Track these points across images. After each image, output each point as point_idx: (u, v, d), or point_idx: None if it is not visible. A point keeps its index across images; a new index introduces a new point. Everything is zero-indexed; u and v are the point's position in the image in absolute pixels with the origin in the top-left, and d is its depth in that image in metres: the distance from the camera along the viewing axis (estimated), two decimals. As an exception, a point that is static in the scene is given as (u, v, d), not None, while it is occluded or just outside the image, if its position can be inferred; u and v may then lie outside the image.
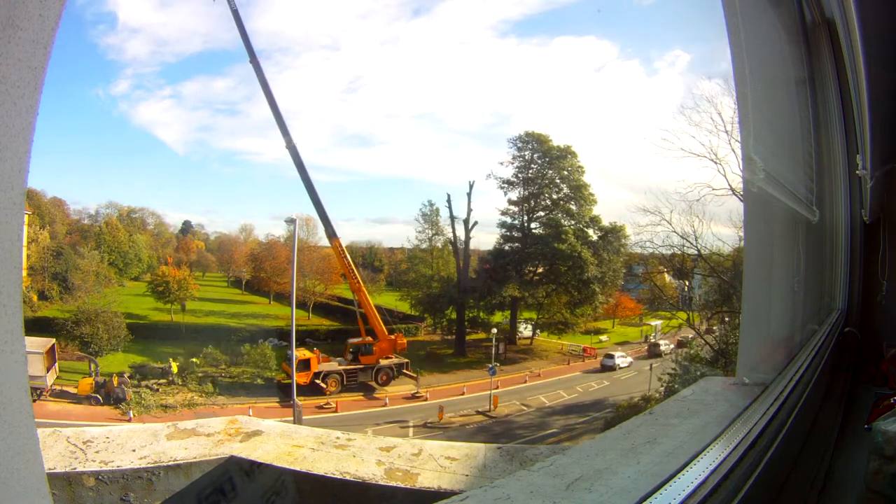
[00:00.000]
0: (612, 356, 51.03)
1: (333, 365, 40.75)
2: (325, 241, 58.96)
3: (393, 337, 43.27)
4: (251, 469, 3.02)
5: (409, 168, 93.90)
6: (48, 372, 33.19)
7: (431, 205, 57.32)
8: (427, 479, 2.87)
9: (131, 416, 31.90)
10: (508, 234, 56.27)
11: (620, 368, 49.64)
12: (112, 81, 77.19)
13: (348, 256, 42.80)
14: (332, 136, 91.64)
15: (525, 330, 57.05)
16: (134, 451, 3.04)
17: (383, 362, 42.23)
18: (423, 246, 57.68)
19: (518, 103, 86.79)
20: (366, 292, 43.18)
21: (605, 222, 54.31)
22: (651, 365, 43.61)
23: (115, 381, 34.44)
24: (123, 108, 76.89)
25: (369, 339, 42.13)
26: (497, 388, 40.98)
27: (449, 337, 55.87)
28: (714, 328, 36.77)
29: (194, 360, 39.67)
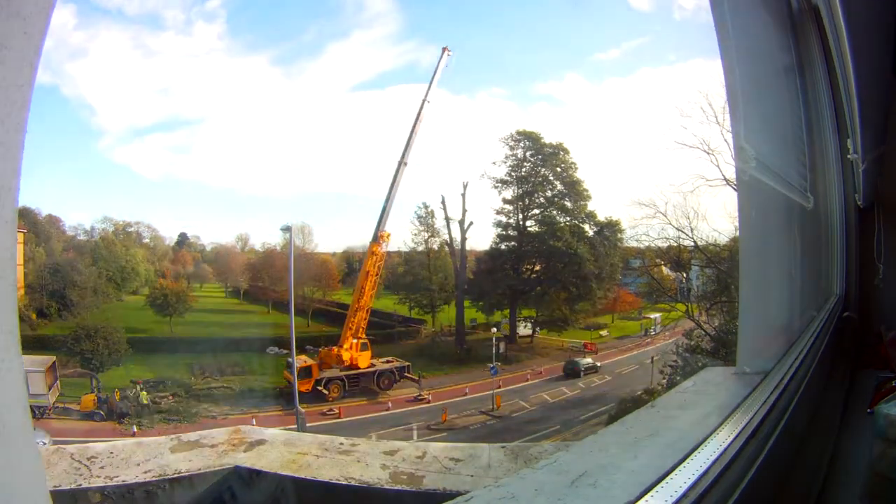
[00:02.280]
0: (574, 361, 47.68)
1: (334, 371, 40.69)
2: (321, 248, 59.27)
3: (348, 347, 42.00)
4: (256, 478, 3.02)
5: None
6: (50, 390, 33.10)
7: (426, 207, 57.39)
8: (432, 481, 2.87)
9: (135, 430, 31.84)
10: (504, 233, 56.35)
11: (586, 373, 46.49)
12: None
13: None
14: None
15: (525, 328, 57.02)
16: (138, 465, 3.04)
17: (384, 366, 42.20)
18: (420, 248, 57.73)
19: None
20: (365, 310, 43.05)
21: (601, 217, 54.48)
22: (652, 358, 43.68)
23: (118, 396, 34.39)
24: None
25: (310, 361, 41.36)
26: (499, 387, 40.99)
27: (449, 338, 55.85)
28: (714, 318, 36.83)
29: (161, 391, 38.34)
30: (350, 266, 67.48)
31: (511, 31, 78.03)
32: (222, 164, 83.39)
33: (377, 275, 43.19)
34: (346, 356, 41.58)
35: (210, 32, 74.56)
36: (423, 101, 43.04)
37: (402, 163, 42.32)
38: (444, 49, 43.93)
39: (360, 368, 41.28)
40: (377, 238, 42.41)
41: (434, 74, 43.57)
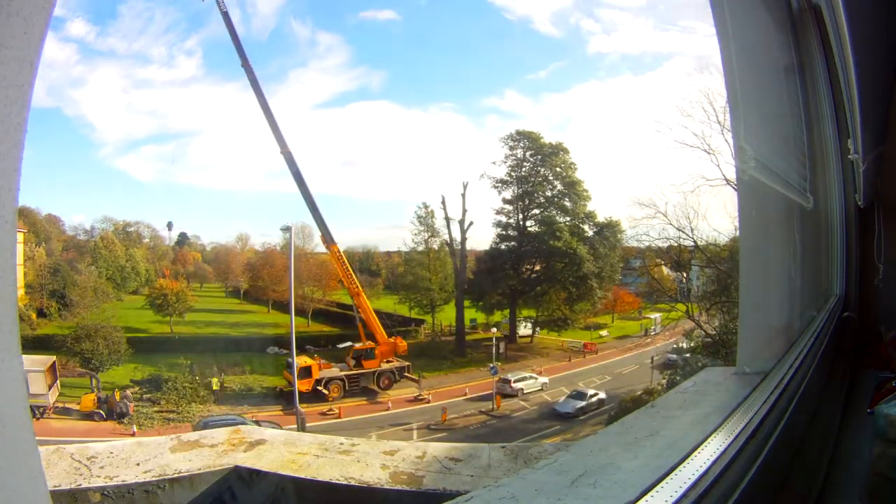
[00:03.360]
0: (507, 379, 41.66)
1: (335, 371, 40.72)
2: (321, 248, 59.18)
3: (393, 340, 43.37)
4: (256, 478, 3.02)
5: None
6: (50, 390, 33.08)
7: (426, 207, 57.34)
8: (432, 481, 2.87)
9: (134, 430, 31.83)
10: (504, 233, 56.31)
11: (525, 393, 41.66)
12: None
13: (346, 262, 42.79)
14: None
15: (525, 328, 57.01)
16: (138, 465, 3.04)
17: (384, 366, 42.23)
18: (420, 248, 57.69)
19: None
20: (365, 297, 43.20)
21: (601, 217, 54.46)
22: (652, 358, 43.70)
23: (118, 395, 34.38)
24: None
25: (370, 343, 42.11)
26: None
27: (449, 338, 55.86)
28: (714, 318, 36.83)
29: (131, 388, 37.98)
30: (350, 266, 67.52)
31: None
32: (212, 169, 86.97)
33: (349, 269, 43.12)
34: (402, 344, 43.34)
35: (190, 64, 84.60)
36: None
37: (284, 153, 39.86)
38: None
39: (362, 368, 41.33)
40: (332, 240, 42.22)
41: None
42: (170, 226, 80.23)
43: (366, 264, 78.91)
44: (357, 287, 42.33)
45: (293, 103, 78.30)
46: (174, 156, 53.25)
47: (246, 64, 38.06)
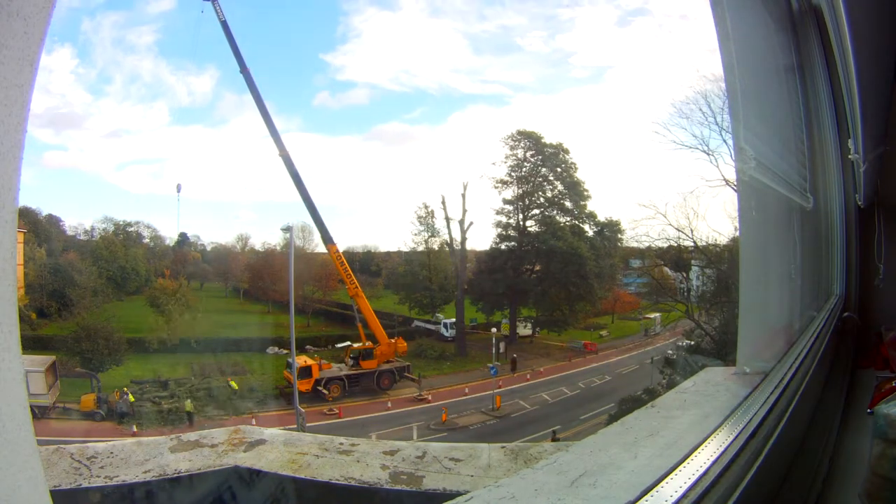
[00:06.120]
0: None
1: (335, 371, 40.74)
2: (321, 248, 59.20)
3: (393, 341, 43.39)
4: (256, 478, 3.02)
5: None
6: (50, 390, 33.09)
7: (426, 207, 57.35)
8: (432, 481, 2.87)
9: (134, 429, 31.83)
10: (504, 233, 56.32)
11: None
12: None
13: (345, 262, 42.90)
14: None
15: (525, 328, 56.98)
16: (138, 465, 3.04)
17: (384, 366, 42.25)
18: (420, 248, 57.74)
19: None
20: (364, 297, 43.22)
21: (602, 217, 54.50)
22: (652, 358, 43.70)
23: (117, 395, 34.38)
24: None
25: (370, 344, 42.17)
26: (500, 387, 40.98)
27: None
28: (714, 318, 36.87)
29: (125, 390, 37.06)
30: (350, 266, 67.47)
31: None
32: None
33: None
34: (402, 345, 43.43)
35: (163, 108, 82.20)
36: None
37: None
38: None
39: (360, 368, 41.35)
40: (331, 240, 42.67)
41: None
42: (182, 239, 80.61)
43: (366, 264, 78.88)
44: (356, 287, 42.37)
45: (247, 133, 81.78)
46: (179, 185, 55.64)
47: (244, 70, 38.47)
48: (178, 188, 56.02)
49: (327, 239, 41.93)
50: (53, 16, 0.93)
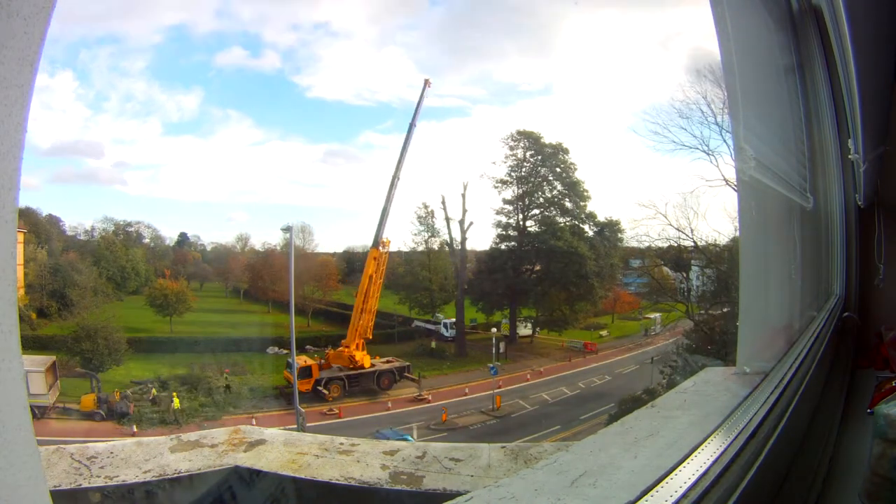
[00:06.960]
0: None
1: (335, 371, 40.74)
2: (320, 248, 59.57)
3: (348, 352, 42.57)
4: (256, 478, 3.02)
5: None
6: (50, 390, 33.10)
7: (426, 207, 57.33)
8: (432, 481, 2.87)
9: (134, 429, 31.82)
10: (504, 233, 56.31)
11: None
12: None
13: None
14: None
15: (525, 328, 56.94)
16: (138, 465, 3.04)
17: (384, 366, 42.28)
18: (420, 248, 57.72)
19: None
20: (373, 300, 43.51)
21: (601, 217, 54.47)
22: (652, 358, 43.69)
23: (118, 395, 34.38)
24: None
25: (312, 360, 42.29)
26: (500, 387, 40.98)
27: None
28: (715, 318, 36.88)
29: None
30: (350, 266, 67.36)
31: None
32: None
33: (381, 278, 43.60)
34: (358, 356, 42.19)
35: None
36: (411, 125, 44.99)
37: (395, 177, 43.75)
38: (426, 81, 45.82)
39: (363, 368, 41.33)
40: (377, 243, 42.86)
41: (419, 102, 45.66)
42: (182, 239, 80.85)
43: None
44: (373, 303, 43.37)
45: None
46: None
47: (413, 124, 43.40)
48: None
49: (375, 243, 43.17)
50: (52, 18, 0.93)
